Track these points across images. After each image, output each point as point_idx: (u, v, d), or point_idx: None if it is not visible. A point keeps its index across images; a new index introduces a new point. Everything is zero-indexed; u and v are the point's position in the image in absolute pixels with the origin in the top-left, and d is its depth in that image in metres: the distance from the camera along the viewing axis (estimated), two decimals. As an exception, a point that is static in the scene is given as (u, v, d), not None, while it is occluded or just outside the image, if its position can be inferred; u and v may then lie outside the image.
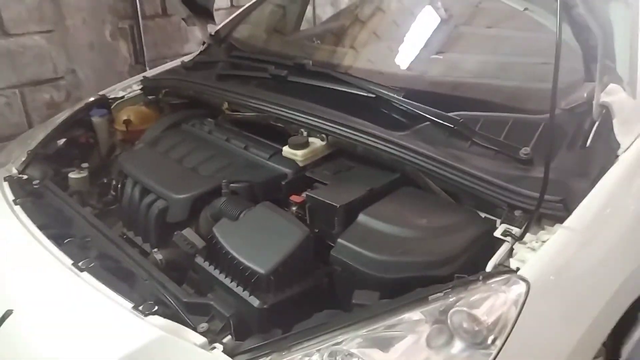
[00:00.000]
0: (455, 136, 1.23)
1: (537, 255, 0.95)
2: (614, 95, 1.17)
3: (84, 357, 0.91)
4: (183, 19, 2.15)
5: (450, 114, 1.25)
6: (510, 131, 1.22)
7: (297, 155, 1.34)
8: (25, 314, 1.02)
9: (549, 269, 0.95)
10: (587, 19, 1.08)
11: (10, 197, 1.36)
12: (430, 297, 0.91)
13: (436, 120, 1.26)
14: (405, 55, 1.67)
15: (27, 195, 1.39)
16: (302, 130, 1.41)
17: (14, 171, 1.57)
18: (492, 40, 1.59)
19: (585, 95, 1.20)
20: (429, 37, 1.66)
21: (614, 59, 1.21)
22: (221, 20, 2.20)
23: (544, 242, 0.98)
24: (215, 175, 1.37)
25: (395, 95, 1.35)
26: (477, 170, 1.11)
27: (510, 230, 1.01)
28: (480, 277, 0.92)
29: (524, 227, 1.00)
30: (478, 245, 1.03)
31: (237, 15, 2.21)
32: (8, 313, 1.02)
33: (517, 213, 1.05)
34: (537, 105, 1.24)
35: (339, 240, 1.08)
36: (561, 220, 1.01)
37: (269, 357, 0.88)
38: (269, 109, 1.47)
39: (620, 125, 1.17)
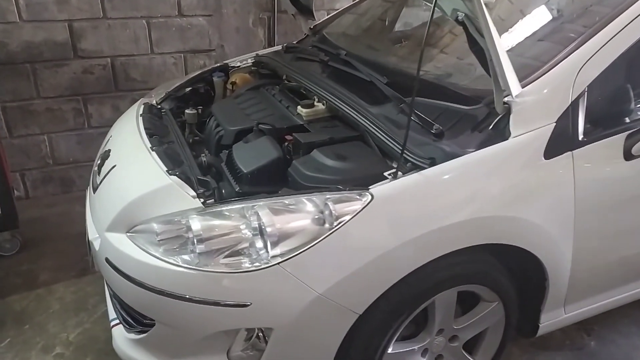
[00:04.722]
0: (402, 113, 1.73)
1: (388, 184, 1.44)
2: (520, 97, 1.54)
3: (138, 187, 1.65)
4: (292, 14, 2.85)
5: (404, 99, 1.73)
6: (442, 115, 1.66)
7: (303, 112, 1.94)
8: (120, 167, 1.81)
9: (391, 193, 1.42)
10: (477, 38, 1.48)
11: (140, 112, 2.17)
12: (315, 193, 1.45)
13: (393, 100, 1.76)
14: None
15: (150, 114, 2.19)
16: (315, 97, 2.01)
17: (154, 102, 2.39)
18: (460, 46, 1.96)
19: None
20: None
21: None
22: (320, 18, 2.85)
23: (404, 180, 1.45)
24: (259, 119, 2.01)
25: (379, 80, 1.86)
26: (396, 136, 1.60)
27: (393, 173, 1.50)
28: (347, 189, 1.44)
29: (398, 170, 1.48)
30: (369, 178, 1.48)
31: (331, 16, 2.84)
32: (114, 167, 1.84)
33: (408, 165, 1.52)
34: (467, 101, 1.66)
35: (294, 162, 1.66)
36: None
37: (219, 207, 1.50)
38: (301, 81, 2.10)
39: (515, 120, 1.54)
